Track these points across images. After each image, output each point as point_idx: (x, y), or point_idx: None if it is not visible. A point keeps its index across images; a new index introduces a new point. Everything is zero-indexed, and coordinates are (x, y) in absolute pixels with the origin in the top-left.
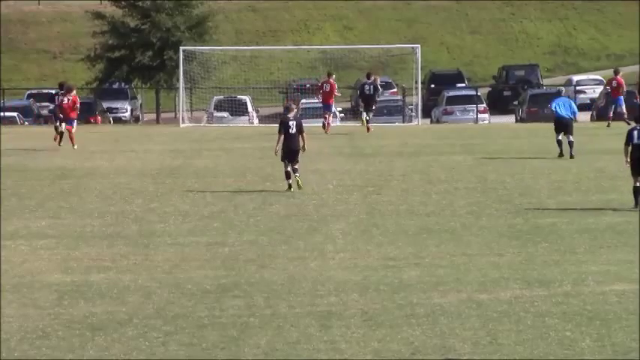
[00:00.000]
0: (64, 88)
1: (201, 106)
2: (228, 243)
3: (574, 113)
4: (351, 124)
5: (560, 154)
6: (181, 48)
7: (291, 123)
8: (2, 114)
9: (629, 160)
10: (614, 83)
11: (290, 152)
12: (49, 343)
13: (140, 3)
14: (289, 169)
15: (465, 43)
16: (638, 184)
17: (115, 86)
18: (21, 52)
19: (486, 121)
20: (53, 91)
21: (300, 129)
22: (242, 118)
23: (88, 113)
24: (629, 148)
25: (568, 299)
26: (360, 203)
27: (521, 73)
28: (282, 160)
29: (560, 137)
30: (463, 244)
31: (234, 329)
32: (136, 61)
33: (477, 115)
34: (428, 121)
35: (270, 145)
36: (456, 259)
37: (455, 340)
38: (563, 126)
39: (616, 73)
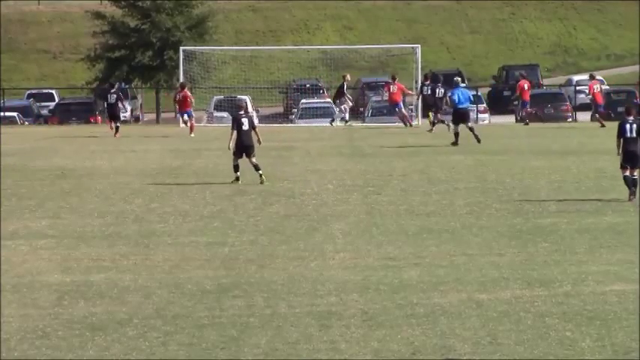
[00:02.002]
0: (179, 85)
1: (201, 106)
2: (228, 243)
3: (471, 102)
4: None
5: (456, 143)
6: (181, 48)
7: (243, 120)
8: (2, 114)
9: (620, 152)
10: (595, 88)
11: (243, 147)
12: (49, 343)
13: (140, 3)
14: (238, 163)
15: (465, 43)
16: (628, 174)
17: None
18: (21, 52)
19: (486, 121)
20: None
21: (252, 125)
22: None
23: (88, 113)
24: (621, 141)
25: (568, 299)
26: (360, 203)
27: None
28: (235, 154)
29: (458, 129)
30: (463, 244)
31: (234, 329)
32: (136, 61)
33: (477, 115)
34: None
35: (270, 145)
36: (456, 259)
37: (455, 340)
38: (462, 116)
39: (591, 77)
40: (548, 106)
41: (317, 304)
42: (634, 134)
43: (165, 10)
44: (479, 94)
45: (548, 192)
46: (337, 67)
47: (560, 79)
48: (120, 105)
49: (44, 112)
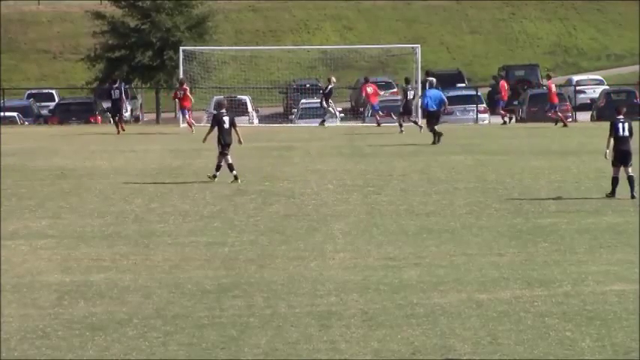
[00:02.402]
0: (179, 82)
1: (201, 106)
2: (228, 243)
3: (443, 103)
4: (351, 124)
5: (435, 142)
6: (181, 48)
7: (224, 118)
8: (2, 114)
9: (611, 151)
10: (552, 87)
11: (226, 145)
12: (49, 343)
13: (140, 3)
14: (223, 163)
15: (465, 43)
16: (618, 175)
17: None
18: (21, 52)
19: (486, 121)
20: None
21: (233, 124)
22: (242, 118)
23: (88, 113)
24: (612, 140)
25: (568, 299)
26: (360, 203)
27: (521, 73)
28: (221, 153)
29: (434, 128)
30: (463, 244)
31: (234, 329)
32: (136, 61)
33: (476, 115)
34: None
35: (270, 145)
36: (456, 259)
37: (455, 340)
38: (433, 118)
39: (548, 77)
40: (548, 106)
41: (317, 304)
42: (626, 133)
43: (165, 10)
44: (479, 94)
45: (548, 192)
46: (337, 67)
47: (561, 79)
48: (123, 103)
49: (44, 112)
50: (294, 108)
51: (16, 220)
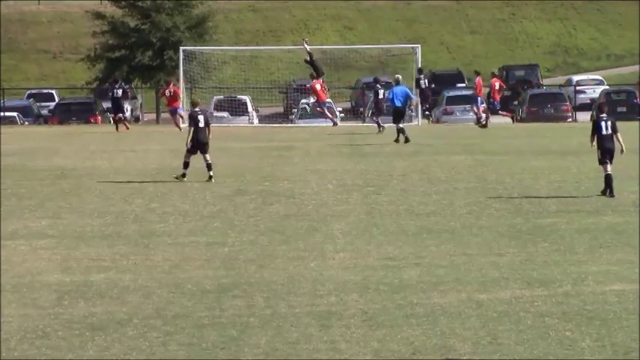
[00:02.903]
0: (165, 81)
1: (201, 106)
2: (228, 243)
3: (409, 99)
4: (351, 124)
5: (398, 140)
6: (181, 48)
7: (200, 117)
8: (2, 114)
9: (597, 147)
10: (495, 85)
11: (200, 144)
12: (49, 343)
13: (140, 3)
14: (189, 160)
15: (465, 43)
16: (607, 173)
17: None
18: (21, 52)
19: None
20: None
21: (207, 122)
22: (242, 118)
23: (88, 113)
24: (595, 138)
25: (568, 299)
26: (360, 203)
27: (521, 73)
28: (189, 151)
29: (400, 126)
30: (463, 244)
31: (234, 329)
32: (136, 61)
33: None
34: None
35: (271, 145)
36: (456, 259)
37: (455, 340)
38: (399, 115)
39: (477, 74)
40: (548, 106)
41: (317, 304)
42: (609, 131)
43: (165, 10)
44: None
45: (548, 192)
46: (337, 67)
47: (560, 79)
48: (124, 103)
49: (44, 112)
50: (294, 108)
51: (16, 220)
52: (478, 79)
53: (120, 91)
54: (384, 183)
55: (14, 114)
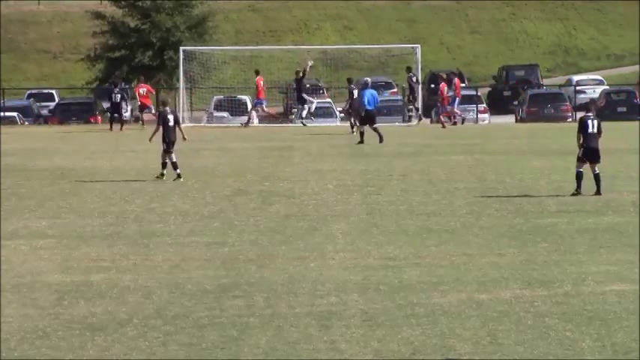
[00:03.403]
0: (139, 79)
1: (201, 106)
2: (228, 243)
3: (377, 103)
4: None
5: (361, 142)
6: (181, 48)
7: (169, 116)
8: (2, 114)
9: (582, 145)
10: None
11: (171, 143)
12: (49, 343)
13: (140, 3)
14: (167, 160)
15: (465, 43)
16: (582, 169)
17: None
18: (21, 52)
19: (486, 121)
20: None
21: (177, 121)
22: (242, 118)
23: (88, 113)
24: (581, 136)
25: (568, 299)
26: (360, 203)
27: (521, 73)
28: (166, 151)
29: (363, 129)
30: (463, 244)
31: (234, 329)
32: (136, 61)
33: (477, 115)
34: (428, 121)
35: (270, 145)
36: (456, 259)
37: (455, 340)
38: (370, 117)
39: (454, 75)
40: (548, 106)
41: (317, 304)
42: (594, 130)
43: (165, 10)
44: (479, 94)
45: (548, 192)
46: (337, 67)
47: (560, 79)
48: (123, 104)
49: (44, 112)
50: (294, 108)
51: (16, 220)
52: (442, 85)
53: (119, 96)
54: (384, 183)
55: (14, 114)
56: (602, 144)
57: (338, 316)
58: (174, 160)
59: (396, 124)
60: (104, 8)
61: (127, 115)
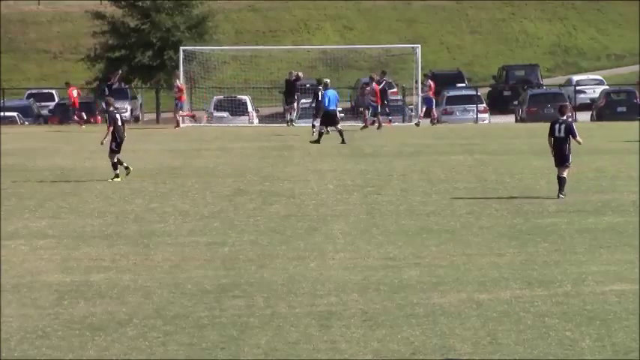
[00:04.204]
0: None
1: (201, 106)
2: (228, 243)
3: (338, 103)
4: (350, 124)
5: (317, 142)
6: (181, 48)
7: (117, 116)
8: (2, 114)
9: (553, 150)
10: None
11: (121, 142)
12: (49, 343)
13: (140, 3)
14: (116, 160)
15: (465, 43)
16: (561, 175)
17: (115, 86)
18: (21, 52)
19: (486, 121)
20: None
21: (123, 121)
22: (242, 118)
23: (88, 113)
24: (552, 140)
25: (568, 299)
26: (360, 203)
27: (522, 73)
28: (114, 151)
29: (324, 130)
30: (463, 244)
31: (234, 329)
32: (136, 61)
33: (476, 115)
34: (428, 121)
35: (270, 145)
36: (456, 259)
37: (455, 340)
38: (331, 118)
39: (426, 77)
40: (548, 106)
41: (317, 304)
42: (562, 134)
43: (165, 10)
44: (479, 94)
45: (548, 192)
46: (337, 67)
47: (560, 79)
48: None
49: (44, 112)
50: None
51: (16, 220)
52: (375, 86)
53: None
54: (384, 183)
55: (14, 114)
56: (603, 144)
57: (338, 316)
58: (119, 157)
59: (396, 124)
60: (104, 8)
61: (126, 115)
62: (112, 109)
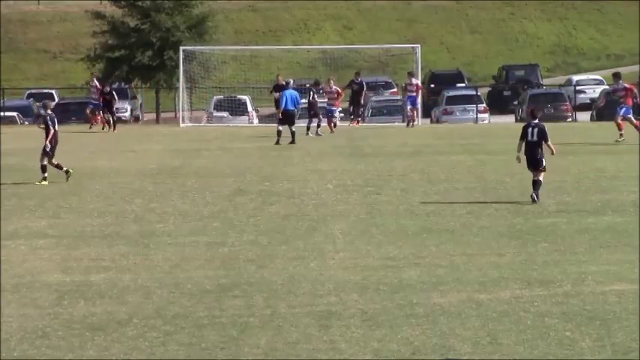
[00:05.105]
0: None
1: (201, 105)
2: (228, 243)
3: (298, 104)
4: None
5: (278, 143)
6: (181, 48)
7: (55, 119)
8: (2, 114)
9: (520, 154)
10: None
11: (56, 145)
12: (49, 343)
13: (140, 3)
14: (46, 162)
15: (464, 43)
16: (536, 179)
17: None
18: (21, 52)
19: (486, 121)
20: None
21: (57, 122)
22: (242, 117)
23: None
24: (523, 144)
25: (568, 299)
26: (360, 203)
27: (521, 73)
28: (47, 154)
29: (281, 128)
30: (463, 244)
31: (234, 329)
32: (136, 61)
33: (476, 115)
34: (428, 121)
35: (270, 145)
36: (456, 259)
37: (455, 340)
38: (289, 117)
39: (410, 75)
40: (548, 106)
41: (317, 304)
42: (534, 138)
43: (165, 10)
44: (478, 94)
45: (548, 192)
46: (337, 67)
47: (560, 79)
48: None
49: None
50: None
51: (16, 220)
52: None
53: (109, 95)
54: (384, 183)
55: (14, 114)
56: (604, 145)
57: (338, 316)
58: (57, 162)
59: (396, 124)
60: (104, 8)
61: (126, 115)
62: (49, 112)
